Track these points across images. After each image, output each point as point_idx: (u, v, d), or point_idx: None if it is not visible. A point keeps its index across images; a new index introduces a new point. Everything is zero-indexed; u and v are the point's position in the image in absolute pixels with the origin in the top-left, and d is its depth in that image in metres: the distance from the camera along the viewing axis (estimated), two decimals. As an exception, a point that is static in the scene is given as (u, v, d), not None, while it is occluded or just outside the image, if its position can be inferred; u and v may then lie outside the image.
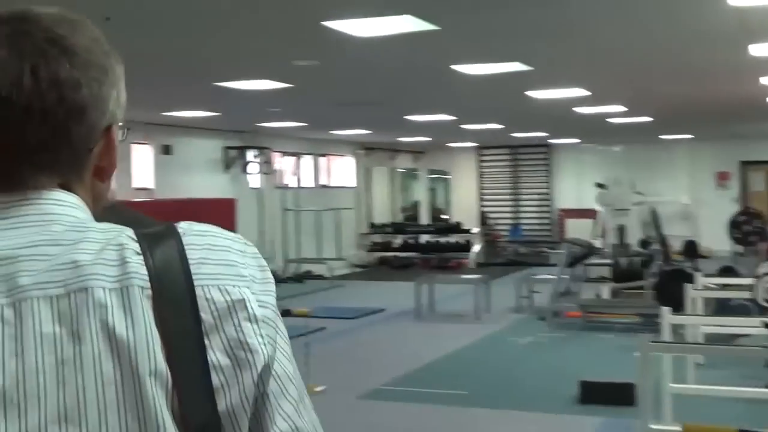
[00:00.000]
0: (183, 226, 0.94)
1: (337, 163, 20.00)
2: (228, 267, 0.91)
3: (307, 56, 7.46)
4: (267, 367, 0.88)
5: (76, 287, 0.84)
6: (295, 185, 17.13)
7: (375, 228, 20.33)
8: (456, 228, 20.08)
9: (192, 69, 8.18)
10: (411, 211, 23.63)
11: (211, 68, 8.13)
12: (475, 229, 19.79)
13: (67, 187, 0.92)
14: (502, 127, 15.80)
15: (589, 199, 20.35)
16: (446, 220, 22.98)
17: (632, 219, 13.64)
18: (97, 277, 0.85)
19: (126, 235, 0.89)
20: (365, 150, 20.36)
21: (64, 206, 0.91)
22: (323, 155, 18.92)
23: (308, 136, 17.36)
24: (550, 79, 9.35)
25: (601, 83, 9.92)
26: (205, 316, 0.86)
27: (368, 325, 11.27)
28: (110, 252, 0.87)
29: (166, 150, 14.03)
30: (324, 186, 19.00)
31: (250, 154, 15.77)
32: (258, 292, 0.91)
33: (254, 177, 16.26)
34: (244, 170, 15.79)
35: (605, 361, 8.66)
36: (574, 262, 11.25)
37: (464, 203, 22.83)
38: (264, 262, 0.97)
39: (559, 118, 13.85)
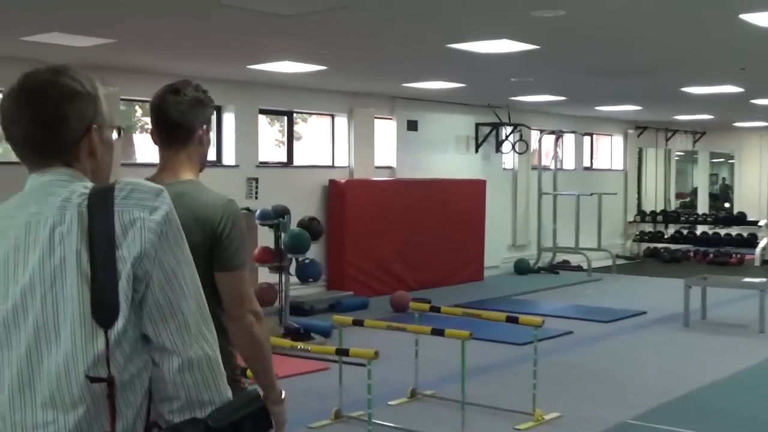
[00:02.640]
0: (121, 179, 1.57)
1: (603, 144, 18.18)
2: (136, 200, 1.53)
3: (550, 5, 6.04)
4: (143, 256, 1.49)
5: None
6: (554, 166, 15.59)
7: (644, 216, 18.30)
8: (739, 219, 17.59)
9: (422, 28, 7.03)
10: (688, 199, 21.26)
11: (441, 25, 6.93)
12: (763, 221, 17.19)
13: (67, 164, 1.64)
14: (803, 102, 13.33)
15: None
16: (728, 209, 20.41)
17: None
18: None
19: (83, 186, 1.59)
20: (636, 129, 18.36)
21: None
22: (587, 134, 17.19)
23: (570, 113, 15.74)
24: None
25: None
26: (117, 227, 1.50)
27: (624, 332, 9.62)
28: (73, 196, 1.57)
29: (412, 126, 13.07)
30: (587, 168, 17.28)
31: (504, 132, 14.45)
32: (150, 215, 1.52)
33: (508, 157, 14.94)
34: (497, 149, 14.51)
35: None
36: None
37: (751, 191, 20.09)
38: (164, 200, 1.55)
39: None
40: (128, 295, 1.48)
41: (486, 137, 14.16)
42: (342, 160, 12.21)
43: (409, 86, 11.22)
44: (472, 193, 13.47)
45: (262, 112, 11.29)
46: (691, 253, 17.15)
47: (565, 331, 9.41)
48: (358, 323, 5.98)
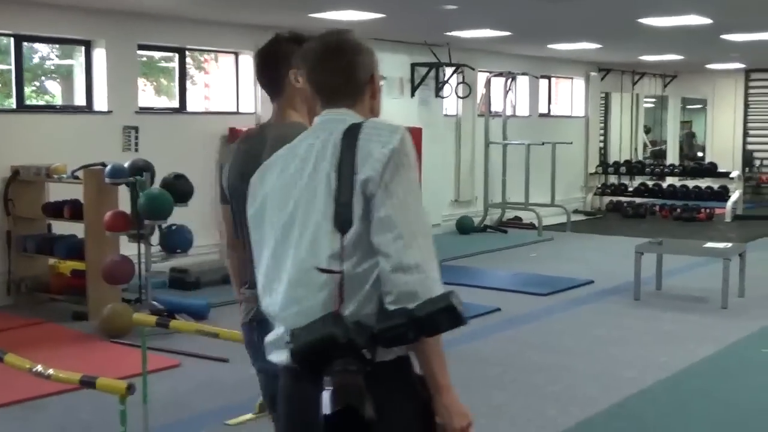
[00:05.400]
0: (370, 119, 2.11)
1: (563, 88, 16.54)
2: (374, 136, 2.01)
3: None
4: (369, 180, 1.96)
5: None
6: (504, 113, 13.96)
7: (606, 167, 16.73)
8: (710, 170, 16.06)
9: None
10: (663, 147, 19.69)
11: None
12: (735, 173, 15.68)
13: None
14: (780, 37, 11.71)
15: None
16: (700, 159, 18.91)
17: None
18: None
19: (346, 123, 2.08)
20: (600, 72, 16.71)
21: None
22: (544, 77, 15.53)
23: (521, 52, 14.06)
24: None
25: None
26: (358, 157, 1.99)
27: (562, 308, 8.09)
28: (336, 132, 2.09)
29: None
30: (543, 115, 15.65)
31: (445, 74, 12.79)
32: (381, 148, 1.98)
33: (451, 102, 13.29)
34: (436, 93, 12.85)
35: None
36: None
37: (724, 140, 18.58)
38: (397, 136, 2.01)
39: None
40: (359, 210, 1.98)
41: (423, 79, 12.47)
42: (248, 105, 10.54)
43: (320, 17, 9.49)
44: (407, 142, 11.81)
45: (144, 48, 9.56)
46: (657, 208, 15.66)
47: (491, 308, 7.87)
48: (162, 324, 4.40)
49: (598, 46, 13.09)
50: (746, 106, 18.48)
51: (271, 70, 2.73)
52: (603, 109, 17.47)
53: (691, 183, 16.13)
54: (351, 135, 2.02)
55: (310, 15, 9.36)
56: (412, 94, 12.49)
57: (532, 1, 8.54)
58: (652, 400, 5.42)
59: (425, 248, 1.97)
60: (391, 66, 12.12)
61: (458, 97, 13.03)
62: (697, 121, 20.89)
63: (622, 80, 17.45)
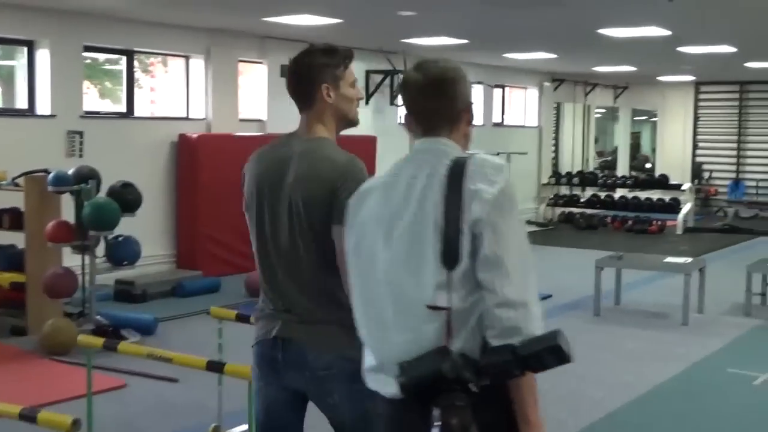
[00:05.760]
0: (476, 155, 2.12)
1: (516, 97, 16.45)
2: (480, 175, 2.04)
3: None
4: (477, 221, 2.01)
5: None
6: (459, 122, 13.79)
7: (558, 178, 16.68)
8: (661, 182, 16.10)
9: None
10: (610, 158, 19.76)
11: None
12: (686, 185, 15.73)
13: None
14: (734, 50, 11.71)
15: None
16: (650, 171, 18.99)
17: None
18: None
19: (449, 157, 2.12)
20: (553, 82, 16.67)
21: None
22: (498, 86, 15.42)
23: (477, 61, 13.91)
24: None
25: None
26: (465, 195, 2.02)
27: (522, 324, 7.90)
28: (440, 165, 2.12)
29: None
30: (497, 124, 15.53)
31: (399, 81, 12.58)
32: (489, 188, 2.02)
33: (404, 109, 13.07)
34: (391, 101, 12.64)
35: None
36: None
37: (674, 152, 18.70)
38: (503, 175, 2.06)
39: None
40: (467, 247, 2.02)
41: (378, 87, 12.27)
42: (198, 110, 10.20)
43: (275, 21, 9.22)
44: (361, 151, 11.30)
45: (89, 49, 9.17)
46: (609, 219, 15.64)
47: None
48: (110, 347, 4.06)
49: (554, 56, 13.00)
50: (696, 118, 18.61)
51: (301, 82, 2.65)
52: (555, 119, 17.45)
53: (642, 195, 16.14)
54: (457, 172, 2.06)
55: (264, 19, 9.07)
56: (367, 102, 12.22)
57: (491, 9, 8.36)
58: (622, 424, 5.24)
59: (529, 286, 2.04)
60: (346, 73, 11.87)
61: (413, 105, 12.83)
62: (644, 132, 21.04)
63: (575, 91, 17.45)
